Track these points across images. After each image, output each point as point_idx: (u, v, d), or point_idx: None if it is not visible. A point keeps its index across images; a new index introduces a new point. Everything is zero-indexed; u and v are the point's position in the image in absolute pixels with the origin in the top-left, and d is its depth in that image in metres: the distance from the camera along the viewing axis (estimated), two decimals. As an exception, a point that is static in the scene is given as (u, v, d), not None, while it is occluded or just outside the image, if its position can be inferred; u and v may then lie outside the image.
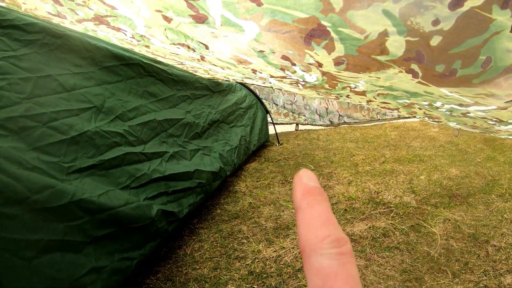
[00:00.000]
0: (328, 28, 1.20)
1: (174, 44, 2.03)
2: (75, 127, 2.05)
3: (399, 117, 7.92)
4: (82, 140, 2.07)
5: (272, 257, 2.76)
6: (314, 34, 1.28)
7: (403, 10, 0.99)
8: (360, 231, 3.13)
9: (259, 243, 2.97)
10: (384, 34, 1.13)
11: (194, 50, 2.07)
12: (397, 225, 3.24)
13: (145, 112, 2.74)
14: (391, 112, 5.34)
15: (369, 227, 3.19)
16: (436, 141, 6.50)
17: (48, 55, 2.04)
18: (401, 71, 1.45)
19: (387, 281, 2.48)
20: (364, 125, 8.22)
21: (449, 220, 3.32)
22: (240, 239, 3.07)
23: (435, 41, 1.08)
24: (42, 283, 1.63)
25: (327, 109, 7.90)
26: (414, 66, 1.33)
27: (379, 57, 1.33)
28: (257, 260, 2.74)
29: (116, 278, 2.03)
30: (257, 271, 2.61)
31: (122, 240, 2.15)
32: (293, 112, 7.92)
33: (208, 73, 3.90)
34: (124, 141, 2.40)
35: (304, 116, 7.97)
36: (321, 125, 8.12)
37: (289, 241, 2.99)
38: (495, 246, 2.86)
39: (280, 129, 7.71)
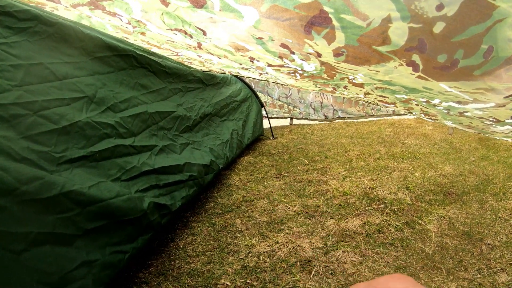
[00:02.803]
0: (330, 15, 1.17)
1: (171, 29, 2.00)
2: (66, 116, 2.01)
3: (394, 113, 7.95)
4: (73, 130, 2.03)
5: (266, 251, 2.74)
6: (315, 22, 1.25)
7: None
8: (355, 227, 3.11)
9: (253, 237, 2.95)
10: (387, 21, 1.11)
11: (191, 36, 2.04)
12: (392, 221, 3.23)
13: (136, 104, 2.71)
14: (386, 108, 5.35)
15: (364, 223, 3.18)
16: (430, 138, 6.53)
17: (39, 44, 1.99)
18: (401, 64, 1.43)
19: (381, 277, 2.47)
20: (358, 120, 8.24)
21: (444, 217, 3.32)
22: (233, 233, 3.05)
23: (438, 27, 1.06)
24: (31, 277, 1.59)
25: (321, 103, 7.90)
26: (415, 57, 1.32)
27: (380, 48, 1.31)
28: (250, 254, 2.71)
29: (108, 272, 2.00)
30: (251, 265, 2.58)
31: (114, 233, 2.12)
32: (288, 105, 7.91)
33: (204, 65, 3.87)
34: (115, 132, 2.36)
35: (299, 109, 7.96)
36: (315, 119, 8.12)
37: (283, 235, 2.97)
38: (489, 244, 2.86)
39: (274, 123, 7.70)
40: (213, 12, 1.47)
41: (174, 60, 3.50)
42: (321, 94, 7.71)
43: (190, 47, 2.54)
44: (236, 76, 5.48)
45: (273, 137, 6.65)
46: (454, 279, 2.45)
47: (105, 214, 2.05)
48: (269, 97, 7.77)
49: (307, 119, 8.13)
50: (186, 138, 3.43)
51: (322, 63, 1.83)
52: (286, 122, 8.35)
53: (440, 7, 0.97)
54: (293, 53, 1.78)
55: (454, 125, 2.83)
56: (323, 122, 8.20)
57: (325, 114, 8.02)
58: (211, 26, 1.70)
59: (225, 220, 3.27)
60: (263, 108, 6.44)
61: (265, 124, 6.70)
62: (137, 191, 2.38)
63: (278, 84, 7.19)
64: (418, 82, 1.61)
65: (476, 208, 3.54)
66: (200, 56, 3.16)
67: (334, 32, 1.28)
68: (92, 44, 2.34)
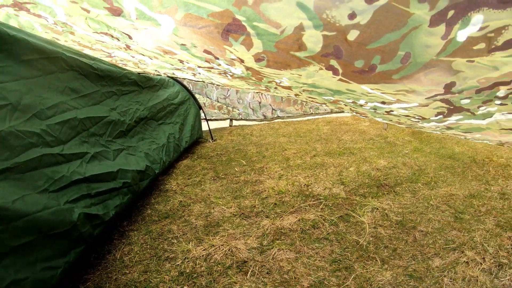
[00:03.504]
0: (243, 23, 1.19)
1: (97, 32, 1.95)
2: (-13, 127, 1.91)
3: (332, 111, 8.15)
4: (-6, 141, 1.93)
5: (202, 255, 2.74)
6: (231, 29, 1.26)
7: (318, 3, 0.99)
8: (290, 224, 3.18)
9: (189, 242, 2.94)
10: (300, 29, 1.13)
11: (118, 39, 2.00)
12: (327, 216, 3.32)
13: (65, 109, 2.60)
14: (322, 106, 5.48)
15: (299, 220, 3.25)
16: (366, 134, 6.77)
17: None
18: (321, 68, 1.47)
19: (317, 272, 2.54)
20: (297, 119, 8.36)
21: (377, 209, 3.47)
22: (170, 239, 3.02)
23: (352, 35, 1.09)
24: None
25: (260, 102, 7.96)
26: (333, 62, 1.35)
27: (297, 53, 1.34)
28: (187, 260, 2.70)
29: (39, 290, 1.92)
30: (187, 271, 2.57)
31: (43, 248, 2.03)
32: (227, 106, 7.90)
33: (139, 66, 3.79)
34: (41, 141, 2.27)
35: (238, 110, 7.97)
36: (254, 120, 8.16)
37: (219, 238, 2.99)
38: (422, 231, 3.03)
39: (214, 125, 7.67)
40: (131, 20, 1.45)
41: (108, 62, 3.41)
42: (260, 94, 7.77)
43: (120, 48, 2.49)
44: (173, 78, 5.42)
45: (212, 139, 6.62)
46: (389, 267, 2.57)
47: (32, 229, 1.96)
48: (207, 98, 7.72)
49: (247, 119, 8.15)
50: (120, 144, 3.35)
51: (247, 68, 1.85)
52: (226, 123, 8.33)
53: (352, 16, 1.00)
54: (217, 58, 1.79)
55: (385, 121, 2.93)
56: (262, 122, 8.26)
57: (264, 114, 8.09)
58: (134, 32, 1.67)
59: (162, 227, 3.23)
60: (201, 110, 6.40)
61: (204, 126, 6.67)
62: (66, 202, 2.29)
63: (216, 85, 7.17)
64: (341, 85, 1.65)
65: (408, 198, 3.73)
66: (133, 57, 3.10)
67: (251, 38, 1.30)
68: (18, 47, 2.20)
